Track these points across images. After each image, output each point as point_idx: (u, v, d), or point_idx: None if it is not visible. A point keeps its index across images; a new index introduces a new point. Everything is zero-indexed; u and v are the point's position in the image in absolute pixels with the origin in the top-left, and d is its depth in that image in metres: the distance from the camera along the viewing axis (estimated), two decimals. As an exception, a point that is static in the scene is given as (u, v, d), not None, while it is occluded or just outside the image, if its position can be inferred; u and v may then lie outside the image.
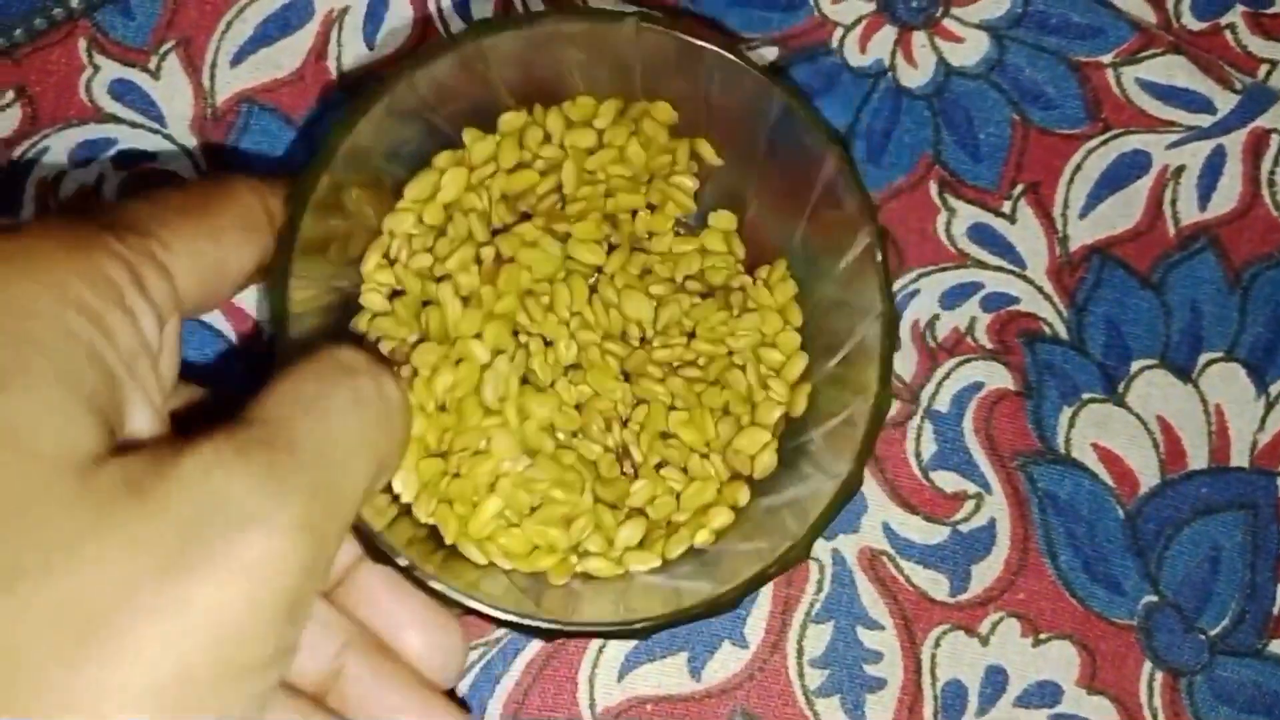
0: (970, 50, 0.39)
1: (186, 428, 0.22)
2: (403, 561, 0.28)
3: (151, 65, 0.37)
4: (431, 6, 0.37)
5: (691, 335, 0.33)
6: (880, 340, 0.29)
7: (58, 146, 0.36)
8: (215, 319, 0.35)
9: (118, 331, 0.21)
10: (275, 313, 0.28)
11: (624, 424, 0.32)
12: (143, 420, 0.22)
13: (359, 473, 0.23)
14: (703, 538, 0.32)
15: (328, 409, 0.23)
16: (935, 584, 0.35)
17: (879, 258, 0.30)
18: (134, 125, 0.37)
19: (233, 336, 0.36)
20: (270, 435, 0.21)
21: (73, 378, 0.20)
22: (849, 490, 0.29)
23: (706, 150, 0.34)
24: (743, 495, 0.32)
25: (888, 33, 0.39)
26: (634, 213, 0.34)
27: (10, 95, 0.37)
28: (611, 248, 0.33)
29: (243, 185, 0.27)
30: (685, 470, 0.32)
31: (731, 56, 0.31)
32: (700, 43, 0.31)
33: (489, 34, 0.30)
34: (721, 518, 0.32)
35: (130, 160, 0.37)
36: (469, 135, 0.33)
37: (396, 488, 0.31)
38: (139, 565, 0.19)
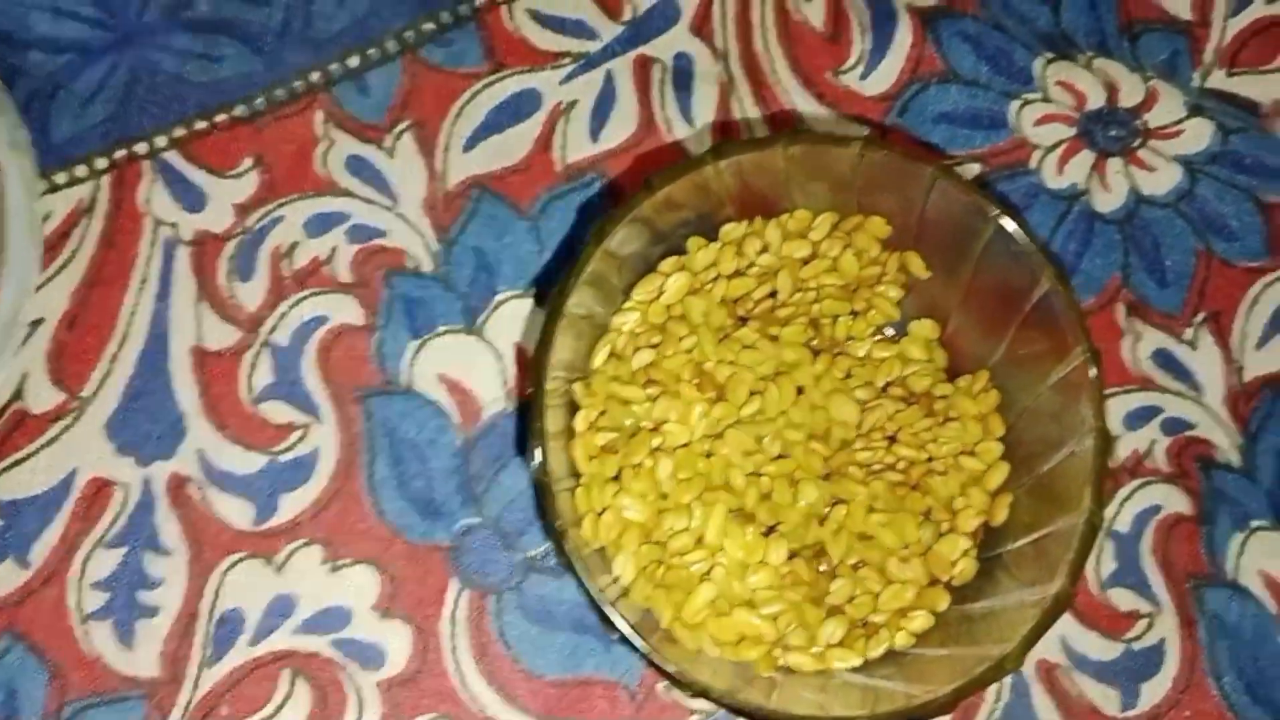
0: (1162, 180, 0.40)
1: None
2: (633, 637, 0.29)
3: (387, 144, 0.39)
4: (655, 106, 0.39)
5: (892, 439, 0.34)
6: (1093, 458, 0.30)
7: (292, 216, 0.38)
8: (435, 393, 0.37)
9: None
10: (537, 404, 0.30)
11: (820, 522, 0.33)
12: None
13: None
14: (902, 640, 0.32)
15: None
16: (1107, 699, 0.36)
17: (1093, 376, 0.31)
18: (368, 201, 0.39)
19: (454, 415, 0.38)
20: None
21: None
22: (1062, 605, 0.29)
23: (916, 264, 0.35)
24: (942, 601, 0.32)
25: (1085, 157, 0.40)
26: (835, 316, 0.35)
27: (249, 162, 0.39)
28: (814, 350, 0.35)
29: None
30: (882, 572, 0.33)
31: (952, 179, 0.32)
32: (922, 164, 0.32)
33: (727, 156, 0.32)
34: (921, 621, 0.32)
35: (364, 235, 0.38)
36: (693, 243, 0.34)
37: (616, 570, 0.32)
38: None
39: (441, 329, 0.38)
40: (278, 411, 0.37)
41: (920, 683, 0.30)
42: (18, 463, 0.36)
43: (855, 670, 0.32)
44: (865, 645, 0.32)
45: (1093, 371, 0.30)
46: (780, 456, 0.33)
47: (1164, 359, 0.38)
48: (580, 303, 0.32)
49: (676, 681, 0.29)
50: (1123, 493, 0.37)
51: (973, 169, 0.39)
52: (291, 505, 0.36)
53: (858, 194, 0.34)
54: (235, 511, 0.36)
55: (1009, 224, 0.31)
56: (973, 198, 0.32)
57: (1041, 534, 0.31)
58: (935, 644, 0.32)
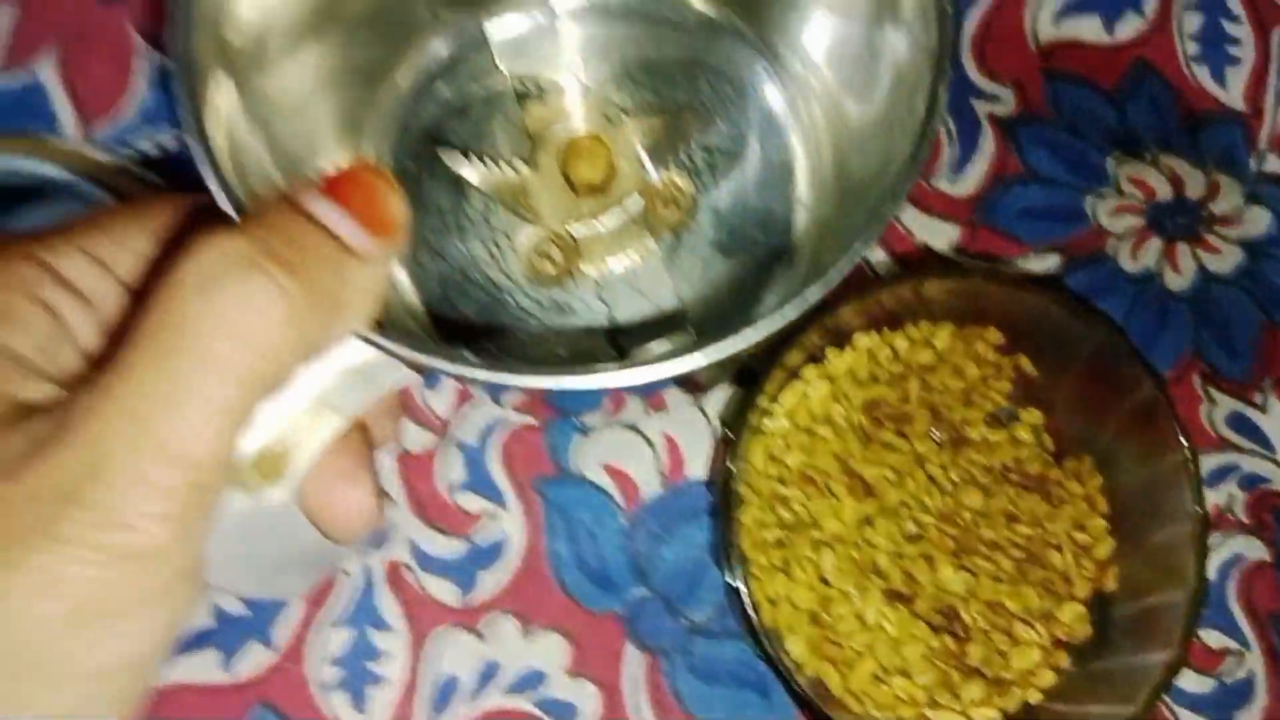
0: (1227, 260, 0.44)
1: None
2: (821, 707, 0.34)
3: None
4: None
5: (1012, 518, 0.38)
6: (1193, 540, 0.35)
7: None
8: (601, 480, 0.43)
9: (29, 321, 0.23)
10: (726, 525, 0.36)
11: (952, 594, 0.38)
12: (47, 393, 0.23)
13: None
14: (1034, 696, 0.36)
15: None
16: (1204, 729, 0.41)
17: (1191, 471, 0.36)
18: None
19: (618, 498, 0.43)
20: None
21: None
22: (1176, 669, 0.33)
23: (1026, 365, 0.39)
24: (1064, 660, 0.37)
25: (1155, 243, 0.44)
26: (952, 406, 0.39)
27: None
28: (936, 441, 0.39)
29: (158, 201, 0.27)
30: (1009, 635, 0.38)
31: (1062, 304, 0.36)
32: (1034, 293, 0.36)
33: (870, 294, 0.36)
34: (1048, 678, 0.36)
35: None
36: (831, 353, 0.39)
37: (789, 648, 0.36)
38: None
39: (600, 423, 0.43)
40: (470, 501, 0.42)
41: None
42: (255, 559, 0.42)
43: None
44: (1002, 700, 0.37)
45: (1191, 467, 0.35)
46: (916, 537, 0.38)
47: (1238, 422, 0.43)
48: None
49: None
50: (1209, 544, 0.42)
51: (1053, 259, 0.44)
52: (489, 582, 0.42)
53: (975, 304, 0.39)
54: (443, 590, 0.41)
55: (1113, 338, 0.36)
56: (1079, 318, 0.36)
57: (1150, 602, 0.36)
58: (1062, 700, 0.37)
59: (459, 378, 0.27)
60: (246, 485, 0.27)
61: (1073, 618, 0.37)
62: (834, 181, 0.38)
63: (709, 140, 0.39)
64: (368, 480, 0.28)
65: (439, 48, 0.40)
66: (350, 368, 0.27)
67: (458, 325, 0.38)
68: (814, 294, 0.27)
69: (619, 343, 0.39)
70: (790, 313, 0.27)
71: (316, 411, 0.27)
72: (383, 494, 0.32)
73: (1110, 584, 0.37)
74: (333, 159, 0.32)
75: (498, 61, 0.39)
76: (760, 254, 0.39)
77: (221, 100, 0.30)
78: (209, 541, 0.26)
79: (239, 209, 0.28)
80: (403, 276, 0.39)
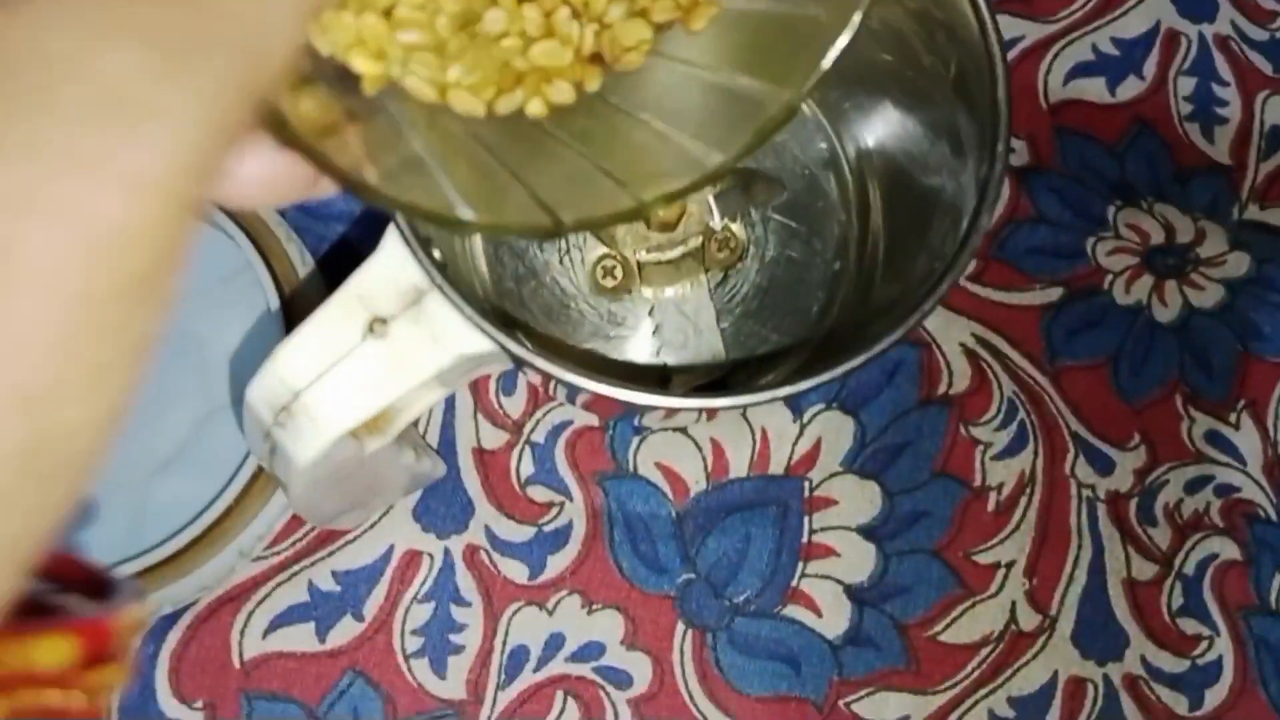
0: (1209, 296, 0.50)
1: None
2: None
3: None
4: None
5: None
6: None
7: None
8: (654, 477, 0.48)
9: None
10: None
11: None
12: None
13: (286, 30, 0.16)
14: (535, 108, 0.24)
15: None
16: (1178, 703, 0.46)
17: None
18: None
19: (669, 493, 0.49)
20: None
21: None
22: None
23: None
24: (593, 80, 0.25)
25: (1147, 280, 0.50)
26: None
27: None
28: None
29: None
30: (549, 19, 0.24)
31: None
32: None
33: None
34: (563, 94, 0.24)
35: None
36: None
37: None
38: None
39: (655, 426, 0.49)
40: (540, 493, 0.48)
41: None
42: (348, 543, 0.47)
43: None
44: (494, 97, 0.24)
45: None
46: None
47: (1214, 438, 0.49)
48: None
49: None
50: (1187, 544, 0.48)
51: (1055, 291, 0.50)
52: (555, 564, 0.47)
53: None
54: (515, 570, 0.47)
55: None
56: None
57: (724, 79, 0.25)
58: (565, 132, 0.25)
59: (559, 379, 0.33)
60: (356, 436, 0.34)
61: (633, 40, 0.24)
62: (869, 264, 0.45)
63: (771, 203, 0.45)
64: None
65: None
66: (468, 355, 0.34)
67: (514, 318, 0.45)
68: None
69: (661, 357, 0.45)
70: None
71: (428, 385, 0.34)
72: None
73: (698, 24, 0.24)
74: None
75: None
76: (794, 300, 0.45)
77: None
78: (309, 481, 0.35)
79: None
80: (483, 267, 0.45)
